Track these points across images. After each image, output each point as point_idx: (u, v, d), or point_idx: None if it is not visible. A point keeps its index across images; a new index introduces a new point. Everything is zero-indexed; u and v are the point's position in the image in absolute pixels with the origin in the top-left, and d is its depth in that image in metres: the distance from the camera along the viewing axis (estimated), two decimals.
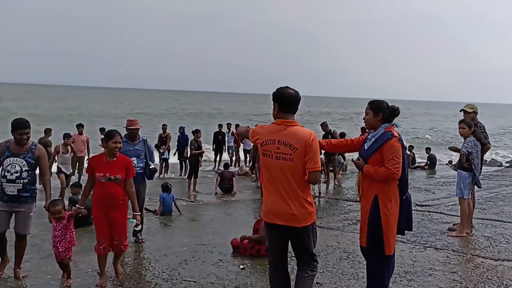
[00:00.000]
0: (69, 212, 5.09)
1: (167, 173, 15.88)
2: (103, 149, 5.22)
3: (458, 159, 7.26)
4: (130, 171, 5.09)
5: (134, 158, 6.24)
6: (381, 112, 4.13)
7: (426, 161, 19.05)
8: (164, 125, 16.26)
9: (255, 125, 3.94)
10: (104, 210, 4.97)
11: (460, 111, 7.44)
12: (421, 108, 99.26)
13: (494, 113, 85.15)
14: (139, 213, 5.29)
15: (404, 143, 4.22)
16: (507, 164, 21.71)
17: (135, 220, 5.18)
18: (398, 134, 4.10)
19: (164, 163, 15.76)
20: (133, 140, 6.58)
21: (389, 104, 4.21)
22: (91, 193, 5.18)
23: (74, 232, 5.07)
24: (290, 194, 3.57)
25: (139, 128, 6.67)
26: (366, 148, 4.19)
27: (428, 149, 20.01)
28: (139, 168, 6.40)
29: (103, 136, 9.05)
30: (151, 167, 6.75)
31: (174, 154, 15.98)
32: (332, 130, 14.72)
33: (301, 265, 3.76)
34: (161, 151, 15.61)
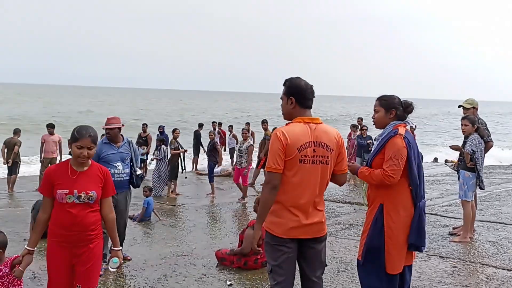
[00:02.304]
0: (13, 257, 3.45)
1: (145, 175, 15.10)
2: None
3: (458, 158, 6.78)
4: (109, 186, 3.41)
5: (119, 163, 5.46)
6: (394, 109, 3.56)
7: None
8: (144, 124, 15.48)
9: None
10: (66, 248, 3.26)
11: (459, 107, 6.93)
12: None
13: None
14: (120, 248, 3.55)
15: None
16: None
17: (118, 260, 3.45)
18: (407, 132, 3.53)
19: (142, 164, 14.98)
20: (116, 142, 5.57)
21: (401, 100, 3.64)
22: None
23: (22, 284, 3.53)
24: (319, 201, 3.18)
25: (115, 128, 5.57)
26: (372, 150, 3.65)
27: None
28: (124, 175, 5.53)
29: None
30: (138, 173, 5.76)
31: (154, 154, 15.19)
32: None
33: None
34: (142, 151, 14.83)
